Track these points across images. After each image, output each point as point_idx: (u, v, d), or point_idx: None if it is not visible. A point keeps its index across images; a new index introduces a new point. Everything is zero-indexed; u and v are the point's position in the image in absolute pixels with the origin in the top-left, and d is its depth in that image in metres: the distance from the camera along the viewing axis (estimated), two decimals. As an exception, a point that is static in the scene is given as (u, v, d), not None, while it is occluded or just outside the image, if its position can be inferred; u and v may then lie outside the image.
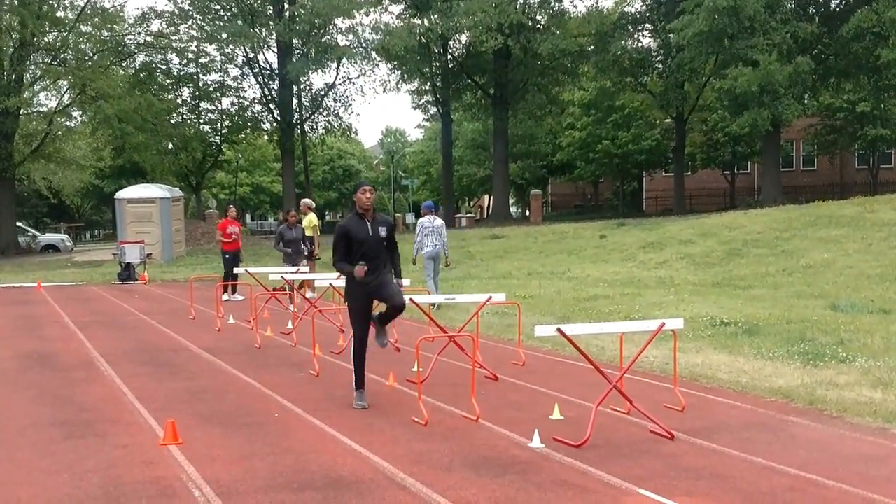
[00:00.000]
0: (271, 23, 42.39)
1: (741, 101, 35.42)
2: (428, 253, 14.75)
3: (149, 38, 42.94)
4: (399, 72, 46.34)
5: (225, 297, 17.30)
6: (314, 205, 19.08)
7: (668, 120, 49.76)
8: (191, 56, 44.61)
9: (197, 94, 46.73)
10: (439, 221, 14.90)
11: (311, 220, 17.92)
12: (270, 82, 45.65)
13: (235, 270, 16.86)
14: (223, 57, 45.31)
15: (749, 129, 36.97)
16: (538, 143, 57.66)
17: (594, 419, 6.46)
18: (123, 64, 44.52)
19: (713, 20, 34.14)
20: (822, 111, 46.63)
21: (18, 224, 43.35)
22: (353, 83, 76.17)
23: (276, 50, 44.20)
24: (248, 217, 78.86)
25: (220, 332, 13.11)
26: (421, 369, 8.35)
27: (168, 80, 45.67)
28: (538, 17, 44.63)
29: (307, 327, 11.73)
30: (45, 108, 42.62)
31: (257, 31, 42.53)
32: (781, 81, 33.82)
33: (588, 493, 5.27)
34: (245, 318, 14.32)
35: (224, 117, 48.05)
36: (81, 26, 40.07)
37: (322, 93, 47.32)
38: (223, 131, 48.50)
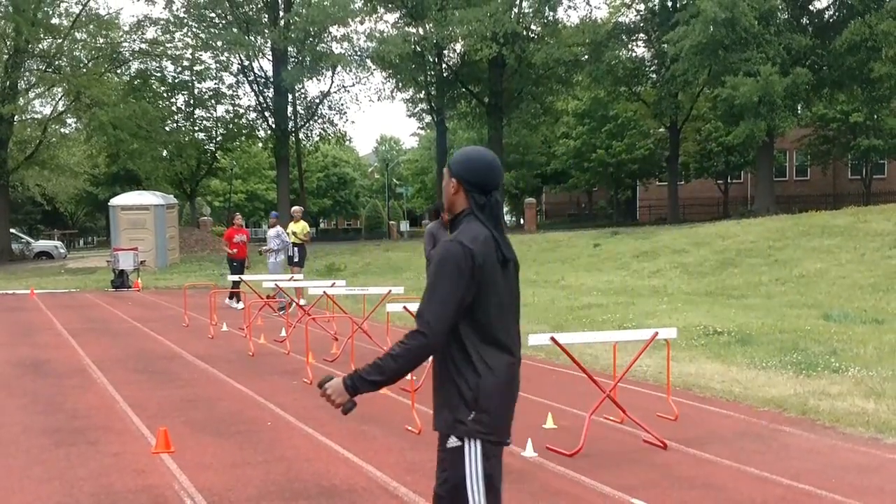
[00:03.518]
0: (266, 31, 42.42)
1: (737, 111, 35.51)
2: (281, 259, 17.47)
3: (144, 46, 42.89)
4: (394, 80, 46.42)
5: (238, 305, 17.46)
6: (302, 211, 19.09)
7: (661, 129, 49.88)
8: (186, 63, 44.61)
9: (192, 101, 46.70)
10: (275, 230, 17.58)
11: (303, 227, 17.86)
12: (265, 90, 45.67)
13: (230, 278, 16.86)
14: (218, 65, 45.35)
15: (745, 140, 37.05)
16: (532, 152, 57.74)
17: (587, 428, 6.46)
18: (118, 71, 44.49)
19: (710, 31, 34.22)
20: (816, 121, 46.81)
21: (12, 231, 43.23)
22: (348, 91, 75.83)
23: (270, 58, 44.25)
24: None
25: (214, 339, 13.09)
26: (414, 377, 8.33)
27: (163, 88, 45.64)
28: (532, 27, 44.73)
29: (301, 335, 11.72)
30: (39, 115, 42.53)
31: (252, 39, 42.56)
32: (780, 92, 33.92)
33: (581, 502, 5.27)
34: (238, 326, 14.30)
35: (219, 125, 48.02)
36: (76, 33, 40.04)
37: (317, 101, 47.38)
38: (218, 139, 48.46)
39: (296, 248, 17.63)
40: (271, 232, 17.46)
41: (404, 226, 65.60)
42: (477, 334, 3.09)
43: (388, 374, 3.04)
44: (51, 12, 39.52)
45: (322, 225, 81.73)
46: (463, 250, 3.06)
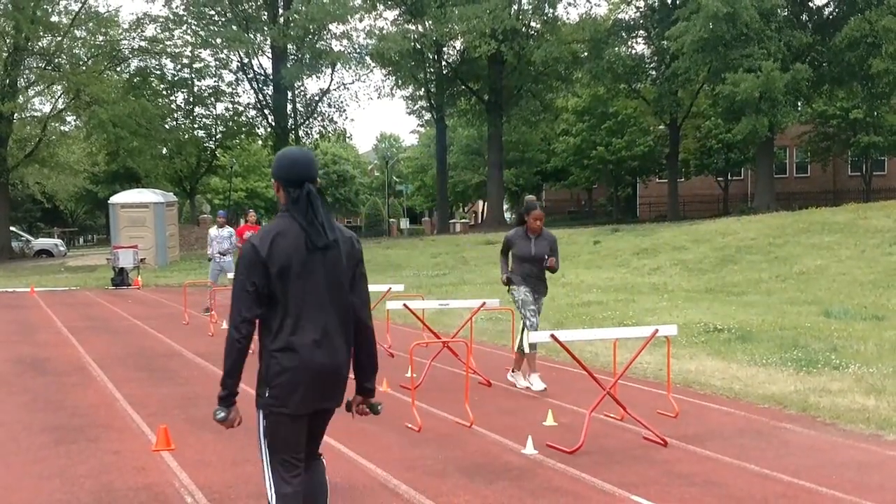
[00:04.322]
0: (266, 28, 42.42)
1: (737, 107, 35.46)
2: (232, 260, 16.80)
3: (143, 43, 42.90)
4: (393, 77, 46.40)
5: None
6: None
7: (661, 126, 49.83)
8: (185, 61, 44.61)
9: (191, 99, 46.69)
10: (229, 230, 16.64)
11: None
12: (265, 87, 45.66)
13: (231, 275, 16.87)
14: (217, 62, 45.35)
15: (747, 136, 36.97)
16: (532, 149, 57.70)
17: (588, 425, 6.45)
18: (118, 69, 44.47)
19: (711, 27, 34.15)
20: (816, 118, 46.76)
21: (12, 229, 43.23)
22: (348, 88, 75.84)
23: (270, 55, 44.23)
24: (241, 222, 78.80)
25: (214, 337, 13.08)
26: (415, 375, 8.35)
27: (162, 86, 45.62)
28: (532, 24, 44.70)
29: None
30: (39, 113, 42.57)
31: (252, 37, 42.54)
32: (780, 88, 33.88)
33: (581, 499, 5.27)
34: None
35: (218, 122, 48.01)
36: (76, 31, 40.02)
37: (316, 98, 47.36)
38: (217, 136, 48.45)
39: None
40: (224, 232, 16.56)
41: (404, 223, 65.64)
42: (275, 319, 3.52)
43: (226, 368, 3.61)
44: (50, 10, 39.49)
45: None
46: (250, 248, 3.51)
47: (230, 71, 46.20)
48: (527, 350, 8.55)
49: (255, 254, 3.48)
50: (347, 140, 59.29)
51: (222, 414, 3.64)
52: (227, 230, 16.69)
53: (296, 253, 3.50)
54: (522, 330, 8.56)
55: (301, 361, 3.51)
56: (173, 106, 46.55)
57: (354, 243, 3.70)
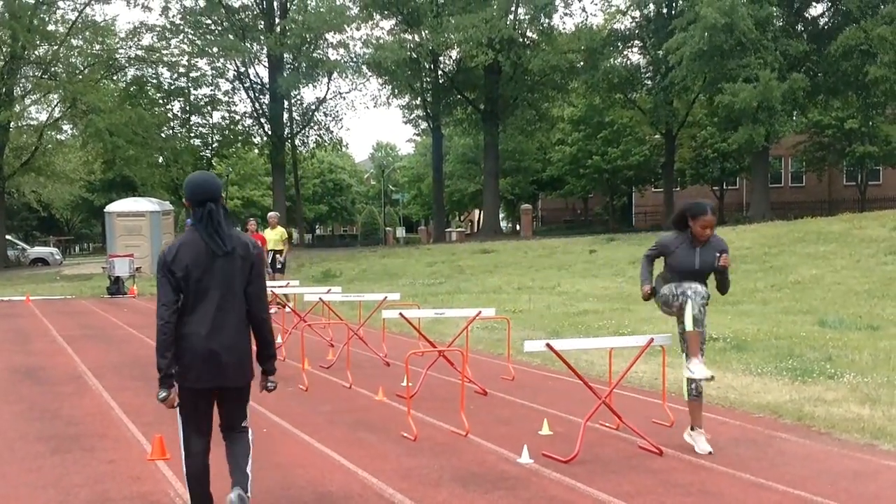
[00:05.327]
0: (262, 37, 42.53)
1: (735, 117, 35.54)
2: None
3: (140, 52, 42.97)
4: (390, 86, 46.49)
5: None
6: (279, 217, 19.04)
7: (657, 136, 49.98)
8: (182, 70, 44.66)
9: (188, 107, 46.74)
10: None
11: (281, 233, 17.98)
12: (261, 96, 45.73)
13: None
14: (214, 71, 45.41)
15: (743, 145, 37.02)
16: (528, 158, 57.81)
17: (583, 435, 6.46)
18: (114, 77, 44.52)
19: (708, 37, 34.23)
20: (811, 128, 46.92)
21: (7, 237, 43.17)
22: (344, 98, 76.15)
23: (266, 64, 44.33)
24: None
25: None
26: (410, 384, 8.34)
27: (159, 94, 45.67)
28: (528, 33, 44.83)
29: (296, 342, 11.70)
30: (35, 122, 42.58)
31: (248, 46, 42.65)
32: (778, 98, 33.96)
33: (577, 508, 5.27)
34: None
35: (215, 131, 48.07)
36: (72, 40, 40.07)
37: (313, 107, 47.47)
38: (214, 145, 48.49)
39: (275, 255, 17.68)
40: None
41: (400, 232, 65.61)
42: (184, 312, 4.39)
43: (159, 350, 4.45)
44: (47, 19, 39.53)
45: (318, 231, 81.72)
46: (162, 255, 4.41)
47: (227, 80, 46.33)
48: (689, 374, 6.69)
49: (163, 260, 4.37)
50: (343, 149, 59.37)
51: (164, 394, 4.40)
52: None
53: (197, 259, 4.34)
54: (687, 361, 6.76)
55: (198, 346, 4.35)
56: (170, 115, 46.61)
57: (251, 249, 4.46)
